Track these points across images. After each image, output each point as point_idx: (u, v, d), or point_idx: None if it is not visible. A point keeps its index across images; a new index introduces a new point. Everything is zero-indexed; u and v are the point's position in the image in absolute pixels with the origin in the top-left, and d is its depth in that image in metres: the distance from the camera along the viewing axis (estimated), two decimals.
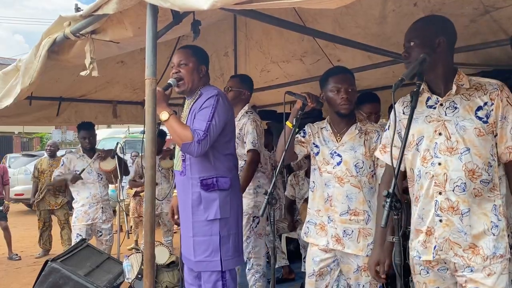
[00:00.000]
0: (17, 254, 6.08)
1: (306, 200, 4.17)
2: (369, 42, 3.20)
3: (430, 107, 1.76)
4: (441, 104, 1.73)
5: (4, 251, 6.14)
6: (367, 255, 2.16)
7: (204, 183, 2.32)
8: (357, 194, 2.22)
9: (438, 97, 1.75)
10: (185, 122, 2.37)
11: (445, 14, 2.93)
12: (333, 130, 2.34)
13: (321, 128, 2.40)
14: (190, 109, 2.39)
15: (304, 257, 4.18)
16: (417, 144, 1.76)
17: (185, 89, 2.38)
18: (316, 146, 2.37)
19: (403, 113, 1.88)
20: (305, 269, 4.14)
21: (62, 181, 4.38)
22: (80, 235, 4.09)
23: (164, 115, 2.17)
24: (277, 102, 6.00)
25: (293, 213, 4.43)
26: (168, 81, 2.32)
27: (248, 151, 3.12)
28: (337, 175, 2.24)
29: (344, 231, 2.23)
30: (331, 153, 2.30)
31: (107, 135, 11.69)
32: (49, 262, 3.04)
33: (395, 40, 3.39)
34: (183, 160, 2.37)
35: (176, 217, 2.62)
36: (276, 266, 4.26)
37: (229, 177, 2.38)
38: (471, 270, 1.63)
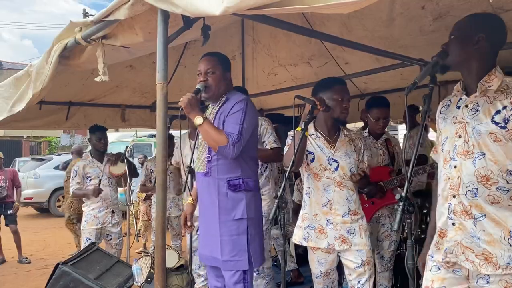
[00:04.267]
0: (26, 258, 6.12)
1: None
2: (376, 45, 3.19)
3: (458, 107, 1.71)
4: (466, 105, 1.67)
5: (14, 254, 6.18)
6: (369, 249, 2.41)
7: (231, 183, 2.39)
8: (353, 195, 2.45)
9: (466, 97, 1.69)
10: None
11: (453, 17, 2.95)
12: (324, 137, 2.50)
13: (310, 135, 2.52)
14: (217, 113, 2.45)
15: None
16: (442, 144, 1.74)
17: (212, 94, 2.45)
18: (311, 153, 2.48)
19: (440, 113, 1.83)
20: None
21: (84, 196, 4.26)
22: (89, 239, 4.08)
23: (198, 120, 2.25)
24: (284, 105, 6.00)
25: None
26: (197, 86, 2.38)
27: (272, 149, 3.30)
28: (336, 180, 2.43)
29: (348, 230, 2.41)
30: (328, 159, 2.45)
31: (115, 139, 11.70)
32: (59, 266, 3.07)
33: (403, 42, 3.38)
34: (209, 161, 2.42)
35: (189, 224, 2.64)
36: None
37: (253, 179, 2.47)
38: (487, 282, 1.57)
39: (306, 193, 2.54)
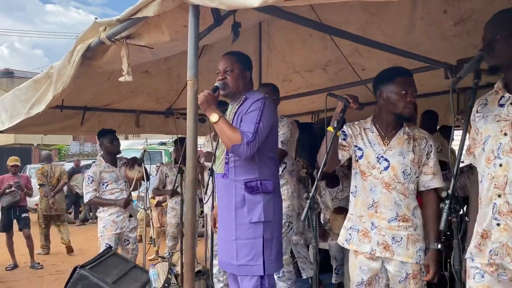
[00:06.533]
0: (39, 263, 6.09)
1: (335, 210, 4.10)
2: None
3: (501, 105, 1.67)
4: (511, 103, 1.63)
5: (26, 259, 6.15)
6: (416, 262, 2.13)
7: (248, 185, 2.32)
8: (404, 200, 2.16)
9: (510, 95, 1.65)
10: None
11: (475, 21, 2.91)
12: (379, 133, 2.26)
13: (365, 129, 2.30)
14: (236, 112, 2.41)
15: (335, 268, 4.07)
16: (483, 143, 1.68)
17: (229, 92, 2.42)
18: (359, 148, 2.27)
19: (477, 112, 1.78)
20: (335, 281, 4.06)
21: (108, 205, 4.09)
22: (108, 244, 3.95)
23: (214, 117, 2.22)
24: (299, 112, 5.98)
25: (319, 223, 4.35)
26: (215, 84, 2.35)
27: None
28: (384, 181, 2.17)
29: (393, 237, 2.16)
30: (377, 157, 2.21)
31: (125, 147, 11.72)
32: (78, 269, 3.03)
33: (423, 48, 3.34)
34: (226, 163, 2.37)
35: (217, 225, 2.57)
36: (304, 277, 4.18)
37: (272, 181, 2.38)
38: None
39: (352, 192, 2.32)
